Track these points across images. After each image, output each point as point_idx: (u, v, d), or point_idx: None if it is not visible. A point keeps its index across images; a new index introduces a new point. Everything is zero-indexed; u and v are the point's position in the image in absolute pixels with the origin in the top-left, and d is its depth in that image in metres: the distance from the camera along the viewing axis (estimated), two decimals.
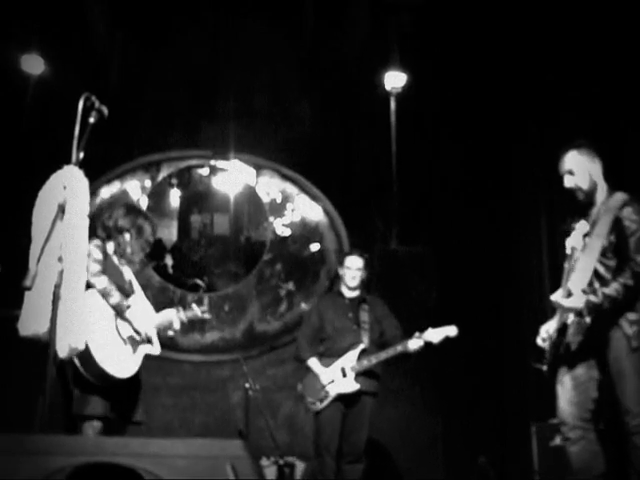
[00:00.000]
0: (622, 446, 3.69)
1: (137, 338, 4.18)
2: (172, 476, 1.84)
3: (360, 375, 5.18)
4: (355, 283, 5.43)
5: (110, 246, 4.29)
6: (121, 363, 4.03)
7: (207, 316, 4.61)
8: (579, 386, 3.74)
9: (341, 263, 5.54)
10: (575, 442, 3.71)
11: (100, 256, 4.12)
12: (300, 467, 6.27)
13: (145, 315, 4.25)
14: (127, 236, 4.30)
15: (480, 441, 6.67)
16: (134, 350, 4.15)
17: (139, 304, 4.27)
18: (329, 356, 5.27)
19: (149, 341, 4.26)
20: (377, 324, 5.40)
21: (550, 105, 6.34)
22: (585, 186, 3.88)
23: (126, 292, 4.23)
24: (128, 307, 4.13)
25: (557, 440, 5.37)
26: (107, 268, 4.17)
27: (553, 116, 6.25)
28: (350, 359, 5.20)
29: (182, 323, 4.46)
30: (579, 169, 3.88)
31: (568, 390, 3.76)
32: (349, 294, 5.48)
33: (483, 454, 6.45)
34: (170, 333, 4.47)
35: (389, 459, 6.90)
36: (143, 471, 1.82)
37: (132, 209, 4.51)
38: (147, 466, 1.84)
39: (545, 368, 3.82)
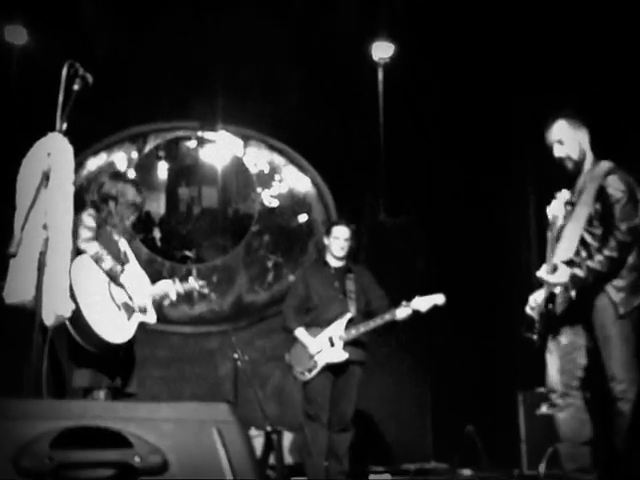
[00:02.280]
0: (607, 413, 3.72)
1: (131, 305, 4.19)
2: (158, 439, 1.83)
3: (348, 344, 5.17)
4: (343, 253, 5.39)
5: (102, 216, 4.29)
6: (115, 328, 4.04)
7: (205, 291, 4.64)
8: (567, 354, 3.76)
9: (327, 233, 5.49)
10: (563, 409, 3.75)
11: (92, 224, 4.14)
12: (288, 437, 6.30)
13: (140, 285, 4.27)
14: (112, 204, 4.29)
15: (468, 410, 6.71)
16: (129, 317, 4.18)
17: (134, 274, 4.29)
18: (316, 326, 5.25)
19: (144, 310, 4.27)
20: (363, 294, 5.39)
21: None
22: (575, 155, 3.88)
23: (121, 261, 4.25)
24: (122, 272, 4.14)
25: (543, 408, 5.43)
26: (101, 237, 4.19)
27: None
28: (338, 328, 5.19)
29: (178, 294, 4.49)
30: (568, 138, 3.88)
31: (557, 358, 3.79)
32: (335, 264, 5.45)
33: (471, 423, 6.50)
34: (166, 303, 4.53)
35: (378, 429, 6.95)
36: (129, 434, 1.81)
37: (114, 175, 4.57)
38: (134, 430, 1.83)
39: (535, 337, 3.84)
